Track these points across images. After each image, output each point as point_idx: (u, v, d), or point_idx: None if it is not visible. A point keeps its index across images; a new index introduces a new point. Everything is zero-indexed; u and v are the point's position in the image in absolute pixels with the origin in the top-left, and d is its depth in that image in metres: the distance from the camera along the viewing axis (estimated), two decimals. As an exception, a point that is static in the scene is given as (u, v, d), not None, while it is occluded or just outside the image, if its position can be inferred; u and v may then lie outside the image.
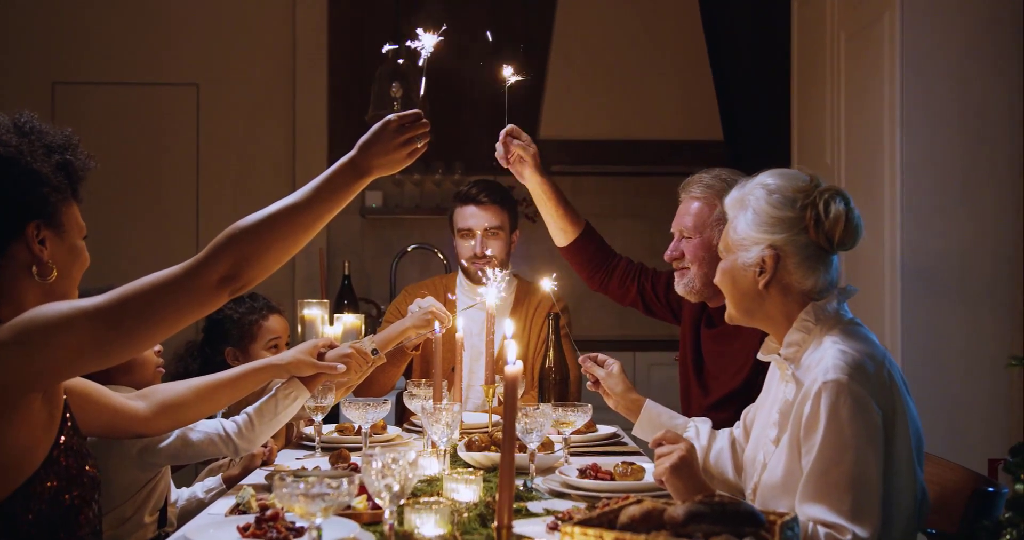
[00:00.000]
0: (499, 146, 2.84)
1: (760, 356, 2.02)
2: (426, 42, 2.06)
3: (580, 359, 2.50)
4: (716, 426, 2.56)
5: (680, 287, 2.71)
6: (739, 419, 2.22)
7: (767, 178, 1.94)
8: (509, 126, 2.84)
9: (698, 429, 2.26)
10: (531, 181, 2.88)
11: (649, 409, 2.42)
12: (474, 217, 3.32)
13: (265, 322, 2.90)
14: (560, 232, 3.02)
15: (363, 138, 1.83)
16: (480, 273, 3.29)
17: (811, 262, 1.89)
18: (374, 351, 2.51)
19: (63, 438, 1.63)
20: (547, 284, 2.66)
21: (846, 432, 1.71)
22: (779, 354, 1.94)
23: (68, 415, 1.68)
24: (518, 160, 2.84)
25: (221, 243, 1.64)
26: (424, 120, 1.86)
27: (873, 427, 1.73)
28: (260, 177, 5.50)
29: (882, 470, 1.72)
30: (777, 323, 1.94)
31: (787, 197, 1.89)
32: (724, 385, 2.67)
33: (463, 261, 3.38)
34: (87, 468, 1.68)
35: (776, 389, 1.99)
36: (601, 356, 2.51)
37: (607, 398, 2.49)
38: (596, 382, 2.50)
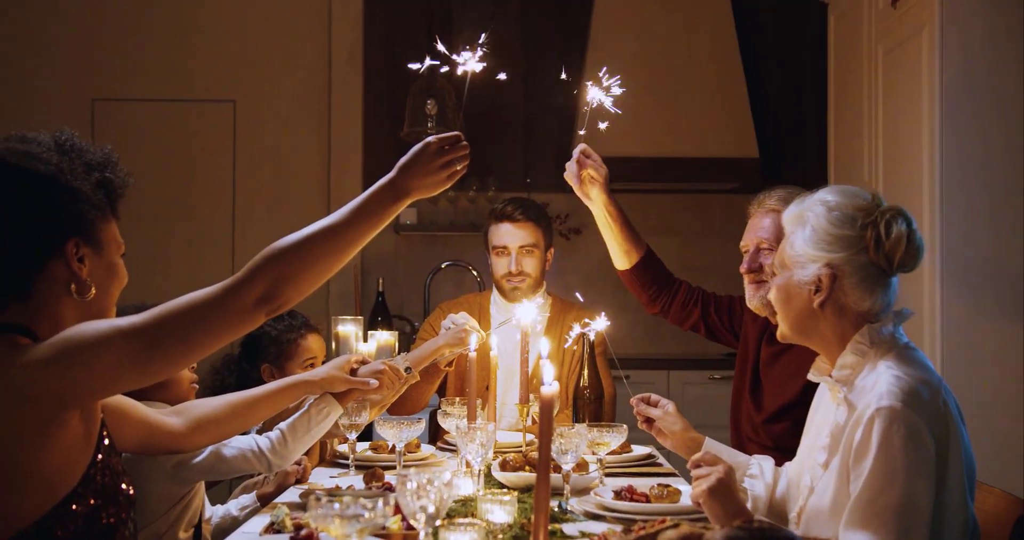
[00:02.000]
0: (572, 165, 2.85)
1: (811, 377, 1.97)
2: (468, 65, 2.06)
3: (632, 401, 2.43)
4: (770, 439, 2.51)
5: (755, 300, 2.67)
6: (794, 430, 2.18)
7: (827, 195, 1.89)
8: (582, 145, 2.84)
9: (761, 467, 2.20)
10: (598, 201, 2.88)
11: (710, 447, 2.33)
12: (509, 234, 3.32)
13: (303, 341, 2.91)
14: (623, 254, 3.01)
15: (403, 159, 1.82)
16: (512, 291, 3.29)
17: (869, 283, 1.85)
18: (407, 369, 2.50)
19: (100, 456, 1.64)
20: (601, 324, 2.62)
21: (897, 460, 1.67)
22: (831, 376, 1.89)
23: (105, 433, 1.68)
24: (589, 180, 2.84)
25: (259, 263, 1.64)
26: (464, 142, 1.85)
27: (926, 456, 1.68)
28: (296, 193, 5.53)
29: (932, 501, 1.68)
30: (830, 344, 1.90)
31: (847, 215, 1.85)
32: (778, 399, 2.63)
33: (498, 278, 3.37)
34: (123, 486, 1.68)
35: (825, 411, 1.95)
36: (654, 396, 2.43)
37: (663, 439, 2.40)
38: (647, 422, 2.42)
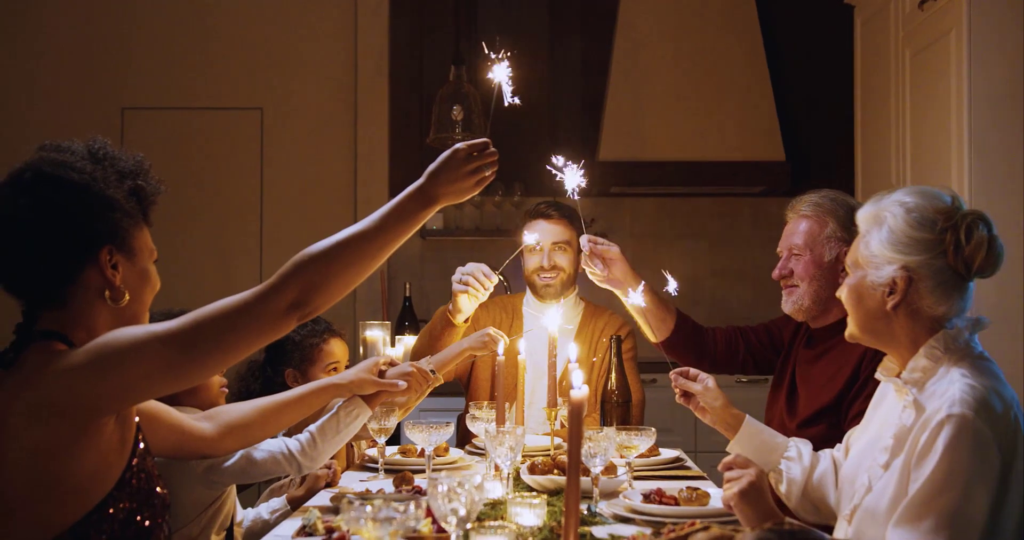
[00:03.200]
0: (587, 262, 2.87)
1: (879, 376, 1.95)
2: (498, 75, 2.06)
3: (671, 374, 2.40)
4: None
5: (788, 305, 2.67)
6: (829, 434, 2.16)
7: (906, 196, 1.86)
8: (584, 236, 2.87)
9: (800, 450, 2.20)
10: (628, 275, 2.85)
11: (749, 425, 2.31)
12: (543, 231, 3.33)
13: (325, 346, 2.92)
14: (660, 323, 2.95)
15: (431, 166, 1.83)
16: (544, 288, 3.30)
17: (945, 288, 1.82)
18: (431, 371, 2.52)
19: (135, 460, 1.66)
20: (638, 298, 2.62)
21: (960, 468, 1.65)
22: (899, 377, 1.86)
23: (140, 437, 1.71)
24: (609, 262, 2.85)
25: (290, 270, 1.66)
26: (492, 149, 1.86)
27: (990, 469, 1.66)
28: (323, 199, 5.56)
29: (988, 516, 1.64)
30: (902, 346, 1.87)
31: (927, 217, 1.82)
32: (813, 403, 2.62)
33: (529, 274, 3.38)
34: (157, 490, 1.70)
35: (889, 411, 1.93)
36: (693, 371, 2.40)
37: (702, 414, 2.38)
38: (685, 396, 2.39)
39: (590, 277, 2.92)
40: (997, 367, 1.82)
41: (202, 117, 5.59)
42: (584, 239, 2.87)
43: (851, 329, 1.95)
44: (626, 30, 5.24)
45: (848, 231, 2.63)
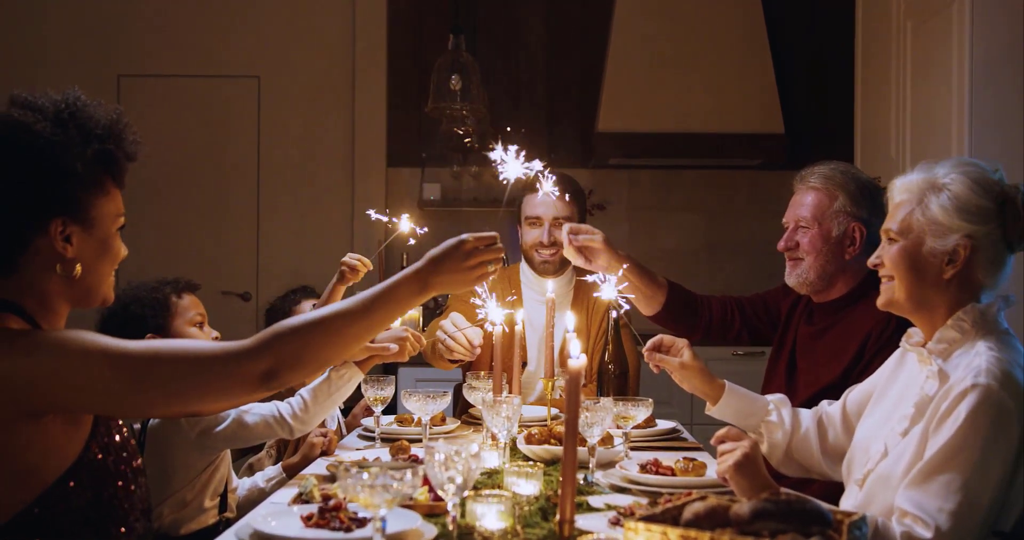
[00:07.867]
0: (569, 251, 2.81)
1: (905, 347, 1.93)
2: (507, 172, 1.96)
3: (644, 351, 2.36)
4: None
5: (792, 278, 2.65)
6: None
7: (961, 165, 1.84)
8: (566, 226, 2.83)
9: (781, 416, 2.20)
10: (612, 262, 2.78)
11: (730, 394, 2.27)
12: (544, 205, 3.31)
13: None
14: (650, 299, 2.92)
15: (433, 252, 1.75)
16: (543, 264, 3.30)
17: (999, 260, 1.81)
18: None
19: (97, 435, 1.60)
20: (609, 291, 2.57)
21: (978, 438, 1.65)
22: (925, 348, 1.85)
23: (99, 419, 1.63)
24: (591, 252, 2.80)
25: (267, 339, 1.57)
26: (499, 245, 1.78)
27: (1007, 443, 1.66)
28: (320, 168, 5.54)
29: (999, 489, 1.65)
30: (938, 316, 1.85)
31: (991, 187, 1.80)
32: (816, 380, 2.59)
33: (527, 249, 3.37)
34: (125, 457, 1.64)
35: (909, 381, 1.91)
36: (667, 339, 2.34)
37: (680, 382, 2.34)
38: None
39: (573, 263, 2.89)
40: (1020, 343, 1.81)
41: (199, 85, 5.56)
42: (565, 229, 2.84)
43: (895, 295, 1.89)
44: (626, 1, 5.20)
45: (858, 206, 2.59)
